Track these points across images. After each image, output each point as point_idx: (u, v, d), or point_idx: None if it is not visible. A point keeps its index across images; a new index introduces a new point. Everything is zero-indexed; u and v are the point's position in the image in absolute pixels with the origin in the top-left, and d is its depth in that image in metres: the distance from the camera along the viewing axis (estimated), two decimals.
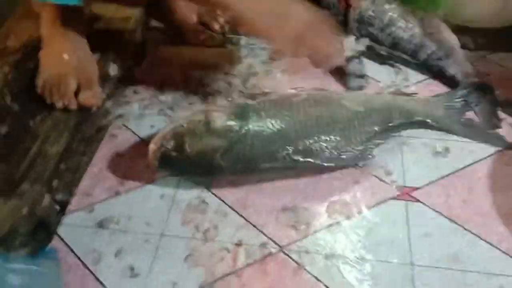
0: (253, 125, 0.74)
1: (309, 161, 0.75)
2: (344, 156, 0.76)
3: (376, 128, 0.80)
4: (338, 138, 0.76)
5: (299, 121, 0.76)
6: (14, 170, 0.71)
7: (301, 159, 0.74)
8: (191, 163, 0.74)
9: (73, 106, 0.83)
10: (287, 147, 0.74)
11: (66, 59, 0.83)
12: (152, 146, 0.75)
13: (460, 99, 0.88)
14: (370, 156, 0.78)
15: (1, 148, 0.74)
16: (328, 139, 0.76)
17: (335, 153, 0.76)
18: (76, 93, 0.83)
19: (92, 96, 0.84)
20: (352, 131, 0.77)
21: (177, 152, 0.73)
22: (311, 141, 0.75)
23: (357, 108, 0.80)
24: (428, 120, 0.85)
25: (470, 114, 0.87)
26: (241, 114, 0.75)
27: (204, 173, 0.75)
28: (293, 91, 0.83)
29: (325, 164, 0.75)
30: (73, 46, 0.84)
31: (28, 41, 0.89)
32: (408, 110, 0.84)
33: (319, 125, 0.76)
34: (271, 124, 0.75)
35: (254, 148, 0.74)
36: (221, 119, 0.74)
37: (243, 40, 1.02)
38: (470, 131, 0.85)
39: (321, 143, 0.75)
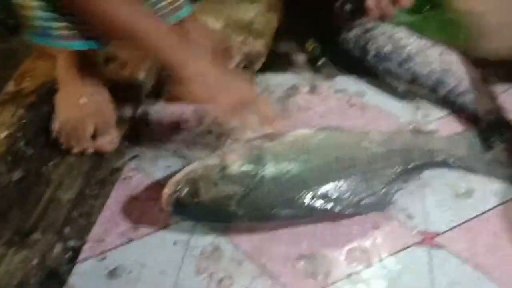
0: (270, 171, 0.72)
1: (328, 208, 0.72)
2: (364, 202, 0.73)
3: (397, 170, 0.77)
4: (358, 183, 0.74)
5: (317, 165, 0.74)
6: (26, 218, 0.70)
7: (320, 206, 0.72)
8: (206, 210, 0.72)
9: (90, 150, 0.82)
10: (305, 193, 0.72)
11: (83, 103, 0.82)
12: (166, 192, 0.73)
13: (482, 137, 0.85)
14: (391, 202, 0.75)
15: (14, 195, 0.73)
16: (347, 183, 0.73)
17: (355, 199, 0.73)
18: (93, 137, 0.82)
19: (109, 142, 0.83)
20: (372, 174, 0.75)
21: (191, 198, 0.71)
22: (330, 186, 0.73)
23: (377, 149, 0.77)
24: (450, 160, 0.82)
25: (493, 152, 0.85)
26: (258, 158, 0.74)
27: (219, 220, 0.74)
28: (310, 131, 0.82)
29: (345, 211, 0.73)
30: (90, 90, 0.83)
31: (44, 83, 0.90)
32: (429, 150, 0.81)
33: (338, 169, 0.74)
34: (288, 169, 0.73)
35: (271, 195, 0.71)
36: (237, 164, 0.73)
37: (258, 78, 1.01)
38: (494, 170, 0.82)
39: (340, 188, 0.73)
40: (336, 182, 0.73)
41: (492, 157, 0.83)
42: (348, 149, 0.77)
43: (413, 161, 0.79)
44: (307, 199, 0.72)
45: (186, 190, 0.72)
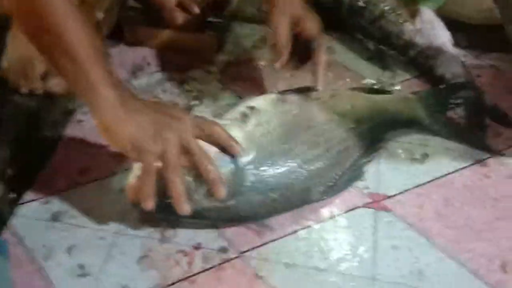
0: (249, 174, 0.66)
1: (309, 201, 0.70)
2: (339, 183, 0.72)
3: (366, 144, 0.76)
4: (333, 166, 0.71)
5: (297, 154, 0.69)
6: None
7: (300, 203, 0.70)
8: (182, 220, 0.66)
9: (39, 91, 0.79)
10: (286, 194, 0.68)
11: None
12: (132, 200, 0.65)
13: (441, 98, 0.84)
14: (361, 174, 0.74)
15: None
16: (325, 170, 0.70)
17: (331, 184, 0.71)
18: (43, 78, 0.79)
19: (59, 83, 0.80)
20: (344, 154, 0.73)
21: (162, 210, 0.64)
22: (310, 180, 0.69)
23: (348, 124, 0.75)
24: (410, 120, 0.81)
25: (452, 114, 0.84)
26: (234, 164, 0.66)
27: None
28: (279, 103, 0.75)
29: (323, 198, 0.71)
30: None
31: None
32: (391, 113, 0.80)
33: (315, 156, 0.70)
34: (269, 169, 0.67)
35: (252, 202, 0.67)
36: None
37: (225, 26, 0.97)
38: (452, 132, 0.81)
39: (319, 178, 0.70)
40: (314, 173, 0.70)
41: (451, 118, 0.83)
42: (321, 129, 0.73)
43: (379, 129, 0.78)
44: (288, 198, 0.68)
45: (157, 204, 0.63)
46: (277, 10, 0.77)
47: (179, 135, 0.62)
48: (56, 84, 0.80)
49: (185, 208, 0.63)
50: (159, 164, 0.62)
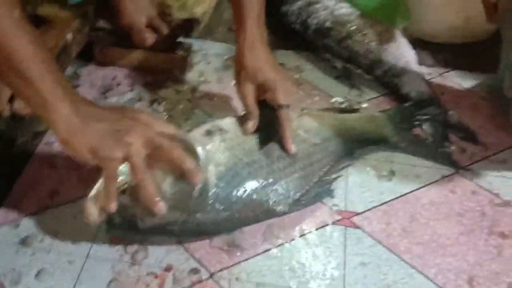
0: (213, 186, 0.67)
1: (274, 215, 0.71)
2: (305, 198, 0.73)
3: (333, 159, 0.77)
4: (299, 180, 0.73)
5: (260, 167, 0.71)
6: None
7: (265, 215, 0.70)
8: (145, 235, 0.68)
9: (6, 113, 0.78)
10: (250, 204, 0.69)
11: None
12: (89, 216, 0.64)
13: (408, 115, 0.86)
14: (330, 190, 0.75)
15: None
16: (289, 184, 0.72)
17: (296, 197, 0.72)
18: (10, 100, 0.78)
19: (27, 106, 0.79)
20: (311, 168, 0.74)
21: (126, 227, 0.66)
22: (273, 191, 0.70)
23: (313, 140, 0.76)
24: (377, 138, 0.83)
25: (418, 131, 0.86)
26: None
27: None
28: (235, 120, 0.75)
29: (290, 212, 0.72)
30: None
31: None
32: (359, 131, 0.82)
33: (280, 169, 0.72)
34: (232, 180, 0.68)
35: (216, 214, 0.67)
36: (167, 183, 0.64)
37: (196, 46, 0.98)
38: (418, 149, 0.83)
39: (284, 191, 0.71)
40: (279, 185, 0.71)
41: (417, 135, 0.85)
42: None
43: (346, 146, 0.79)
44: (252, 211, 0.69)
45: (118, 219, 0.64)
46: (244, 76, 0.74)
47: (145, 136, 0.61)
48: (24, 107, 0.79)
49: (160, 206, 0.62)
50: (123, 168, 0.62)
